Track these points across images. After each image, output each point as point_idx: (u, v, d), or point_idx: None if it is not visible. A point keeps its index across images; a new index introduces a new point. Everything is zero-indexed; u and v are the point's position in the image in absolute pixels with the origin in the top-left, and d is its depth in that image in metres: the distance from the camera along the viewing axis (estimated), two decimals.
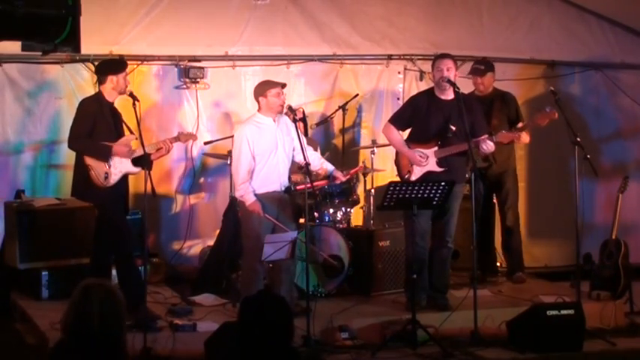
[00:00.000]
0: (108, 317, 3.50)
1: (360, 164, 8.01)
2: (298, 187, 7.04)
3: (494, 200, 8.07)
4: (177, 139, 6.92)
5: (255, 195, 6.63)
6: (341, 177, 7.04)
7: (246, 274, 6.82)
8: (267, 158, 6.67)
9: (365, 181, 7.99)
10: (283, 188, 6.77)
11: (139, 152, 6.50)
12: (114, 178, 6.60)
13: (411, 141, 7.07)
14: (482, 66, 7.82)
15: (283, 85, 6.78)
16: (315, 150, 7.42)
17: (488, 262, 7.99)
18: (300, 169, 6.78)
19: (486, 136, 6.83)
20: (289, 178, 6.92)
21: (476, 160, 6.64)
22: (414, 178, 6.94)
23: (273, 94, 6.69)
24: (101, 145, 6.58)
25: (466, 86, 7.21)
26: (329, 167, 7.00)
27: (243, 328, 3.84)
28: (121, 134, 6.72)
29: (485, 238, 7.92)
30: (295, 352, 4.06)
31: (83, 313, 3.47)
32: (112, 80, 6.67)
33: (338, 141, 8.58)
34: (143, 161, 6.38)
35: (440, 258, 7.04)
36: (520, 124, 7.61)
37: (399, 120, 7.11)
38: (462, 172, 6.95)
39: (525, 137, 7.51)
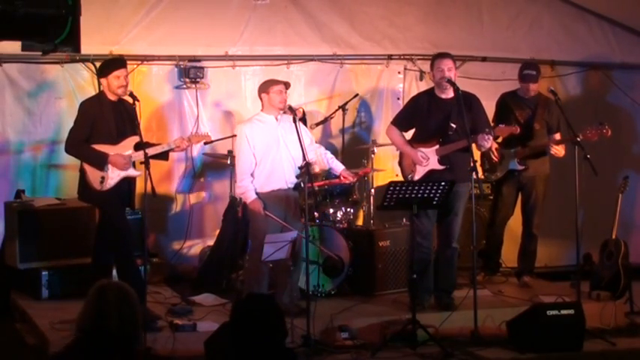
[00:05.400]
0: (125, 316, 3.55)
1: (367, 166, 7.93)
2: (317, 183, 7.00)
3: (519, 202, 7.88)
4: (189, 140, 6.86)
5: (258, 194, 6.64)
6: (350, 177, 7.02)
7: (251, 274, 6.82)
8: (269, 156, 6.68)
9: (365, 180, 7.99)
10: (289, 186, 6.77)
11: (139, 156, 6.47)
12: (110, 183, 6.54)
13: (413, 141, 7.09)
14: (535, 71, 7.63)
15: (287, 84, 6.81)
16: None
17: (493, 262, 7.97)
18: (300, 168, 6.78)
19: (486, 130, 6.80)
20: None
21: (475, 160, 6.61)
22: (417, 177, 6.95)
23: (276, 90, 6.73)
24: (95, 154, 6.50)
25: (465, 86, 7.19)
26: (339, 167, 7.00)
27: (234, 330, 3.83)
28: (124, 134, 6.62)
29: (497, 238, 7.90)
30: (291, 352, 4.06)
31: (101, 313, 3.52)
32: (101, 82, 6.67)
33: (338, 141, 8.57)
34: (160, 156, 6.53)
35: (445, 259, 7.02)
36: (557, 136, 7.58)
37: (401, 121, 7.16)
38: (464, 170, 6.91)
39: (560, 150, 7.48)
